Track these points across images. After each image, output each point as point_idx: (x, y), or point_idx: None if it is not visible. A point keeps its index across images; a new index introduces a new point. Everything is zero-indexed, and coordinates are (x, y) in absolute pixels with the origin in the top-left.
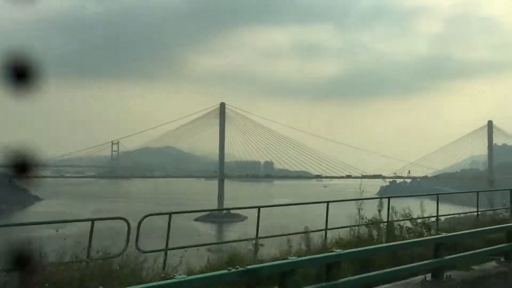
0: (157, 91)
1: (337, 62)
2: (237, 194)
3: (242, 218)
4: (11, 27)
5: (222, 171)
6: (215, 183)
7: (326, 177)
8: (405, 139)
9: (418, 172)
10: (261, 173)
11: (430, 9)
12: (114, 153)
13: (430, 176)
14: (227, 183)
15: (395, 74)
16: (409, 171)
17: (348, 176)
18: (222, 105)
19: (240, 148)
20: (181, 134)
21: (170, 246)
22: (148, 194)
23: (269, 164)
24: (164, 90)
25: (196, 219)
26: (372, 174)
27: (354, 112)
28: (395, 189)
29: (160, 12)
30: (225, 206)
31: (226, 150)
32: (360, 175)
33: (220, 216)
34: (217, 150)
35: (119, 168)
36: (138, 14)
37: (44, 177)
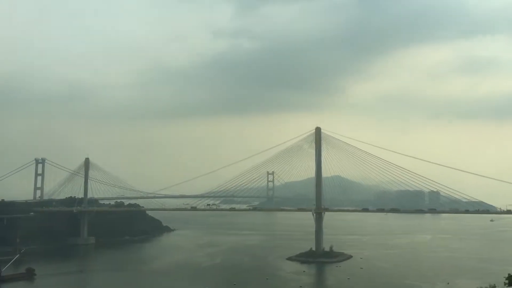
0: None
1: None
2: (376, 228)
3: (343, 258)
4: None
5: (319, 203)
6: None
7: (504, 212)
8: None
9: None
10: (424, 204)
11: None
12: (269, 183)
13: None
14: (379, 216)
15: None
16: None
17: None
18: (318, 130)
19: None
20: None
21: None
22: (290, 227)
23: (434, 194)
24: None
25: (289, 258)
26: None
27: None
28: None
29: (314, 42)
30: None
31: (384, 178)
32: None
33: (317, 255)
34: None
35: (276, 199)
36: (292, 48)
37: (204, 209)
